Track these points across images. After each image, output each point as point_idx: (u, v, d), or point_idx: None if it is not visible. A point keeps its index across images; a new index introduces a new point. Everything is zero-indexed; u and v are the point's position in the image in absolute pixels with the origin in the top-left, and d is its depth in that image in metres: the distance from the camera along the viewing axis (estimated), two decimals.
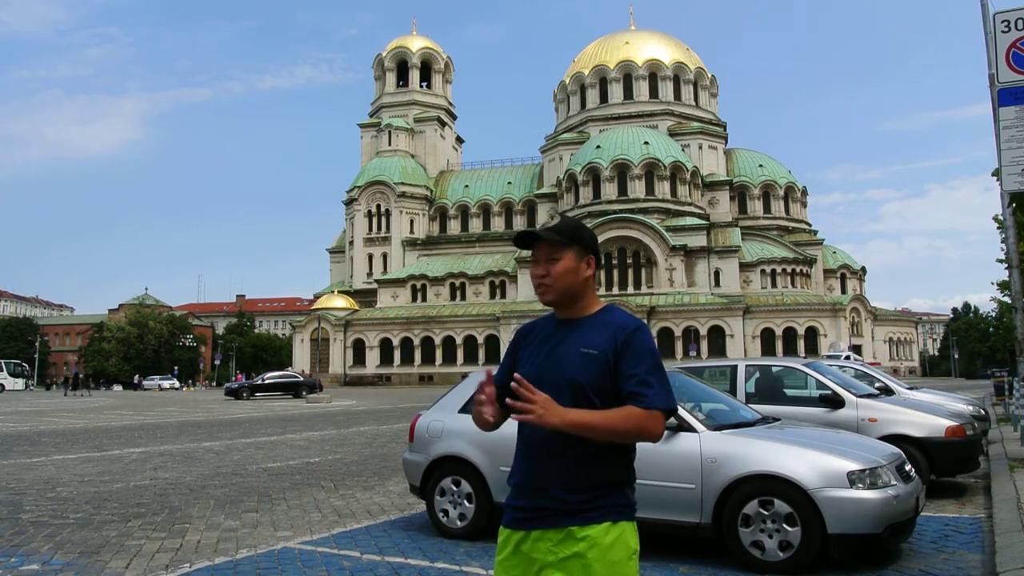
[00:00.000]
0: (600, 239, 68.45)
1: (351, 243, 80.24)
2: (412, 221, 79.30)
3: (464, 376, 7.78)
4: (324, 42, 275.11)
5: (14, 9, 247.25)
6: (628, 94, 78.94)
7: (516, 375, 2.08)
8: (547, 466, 2.15)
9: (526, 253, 68.96)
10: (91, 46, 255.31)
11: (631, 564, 2.12)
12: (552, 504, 2.12)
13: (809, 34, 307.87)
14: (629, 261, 68.12)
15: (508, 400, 2.07)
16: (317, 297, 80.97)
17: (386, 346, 72.22)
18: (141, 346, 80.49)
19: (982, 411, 11.04)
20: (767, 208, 76.42)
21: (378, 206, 78.94)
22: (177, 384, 68.40)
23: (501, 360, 2.46)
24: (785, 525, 5.00)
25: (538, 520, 2.14)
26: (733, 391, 8.38)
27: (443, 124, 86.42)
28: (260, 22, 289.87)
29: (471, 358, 68.39)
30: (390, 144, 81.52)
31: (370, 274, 78.16)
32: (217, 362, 79.27)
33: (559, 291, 2.25)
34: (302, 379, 44.66)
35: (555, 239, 2.24)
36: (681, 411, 5.53)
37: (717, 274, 67.83)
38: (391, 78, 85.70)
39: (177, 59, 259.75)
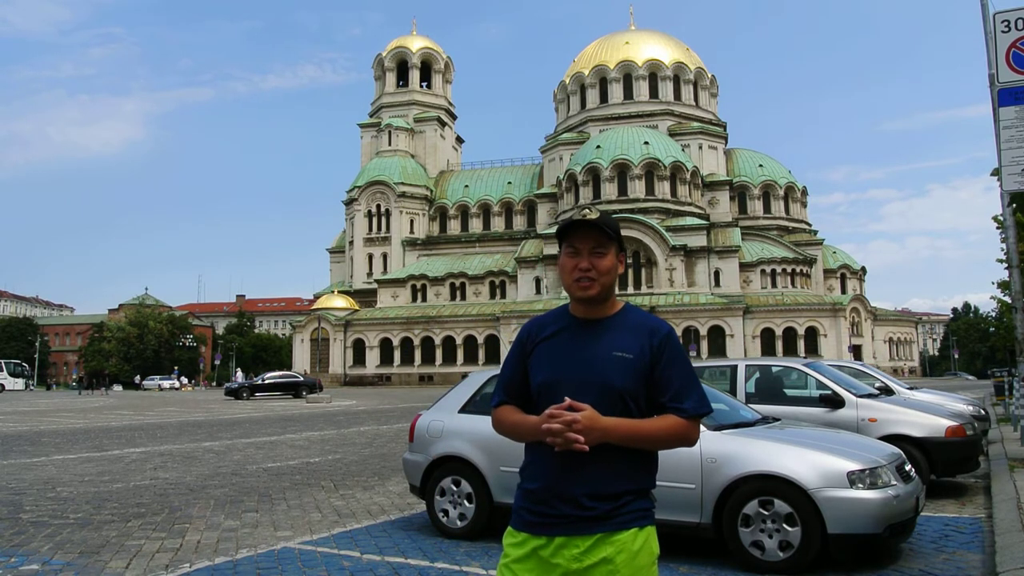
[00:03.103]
0: None
1: (351, 243, 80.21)
2: (412, 221, 79.26)
3: (464, 376, 7.77)
4: (327, 42, 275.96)
5: (18, 9, 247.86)
6: (628, 94, 78.87)
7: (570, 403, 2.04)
8: (580, 475, 2.09)
9: (527, 253, 70.02)
10: (95, 46, 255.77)
11: (654, 569, 2.12)
12: (581, 512, 2.08)
13: (809, 34, 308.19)
14: (629, 261, 67.83)
15: (545, 426, 2.03)
16: (317, 297, 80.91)
17: (386, 346, 72.19)
18: (141, 346, 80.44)
19: (982, 411, 11.04)
20: (767, 208, 76.38)
21: (378, 206, 78.91)
22: (177, 384, 68.30)
23: (504, 359, 2.36)
24: (785, 525, 5.00)
25: (564, 526, 2.08)
26: (733, 391, 8.38)
27: (443, 124, 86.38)
28: (264, 22, 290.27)
29: (471, 358, 68.35)
30: (390, 144, 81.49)
31: (370, 274, 78.12)
32: (217, 362, 79.22)
33: (605, 286, 2.18)
34: (302, 379, 44.66)
35: (609, 231, 2.18)
36: None
37: (717, 274, 67.81)
38: (391, 78, 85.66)
39: (181, 59, 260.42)
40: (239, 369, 62.83)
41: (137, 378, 73.11)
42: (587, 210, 2.18)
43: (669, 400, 2.13)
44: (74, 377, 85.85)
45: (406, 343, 71.41)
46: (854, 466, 5.03)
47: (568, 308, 2.28)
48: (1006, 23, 8.43)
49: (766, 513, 5.06)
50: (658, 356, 2.15)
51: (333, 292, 78.04)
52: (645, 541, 2.10)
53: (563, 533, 2.08)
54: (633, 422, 2.10)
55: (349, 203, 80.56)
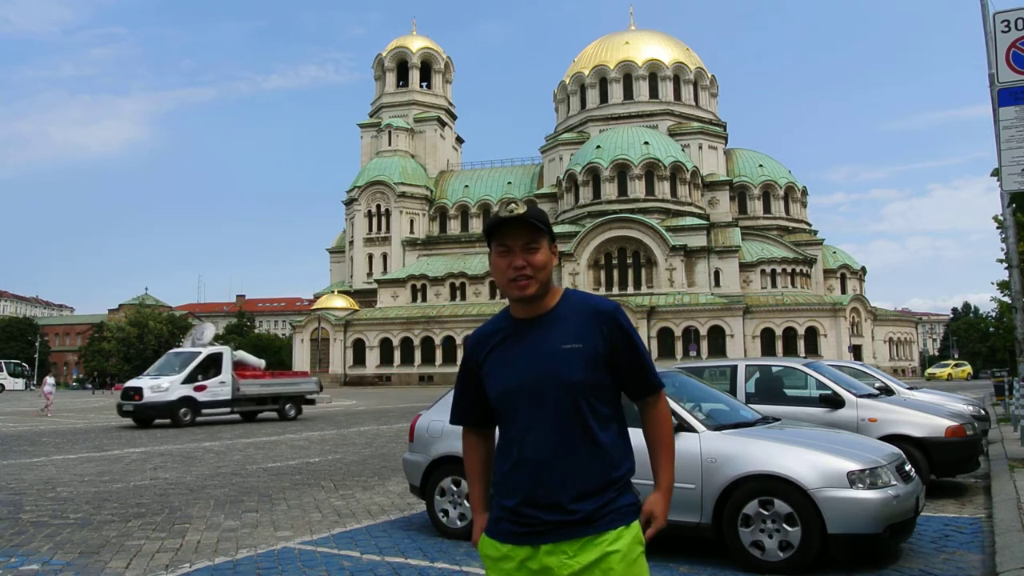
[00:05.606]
0: (600, 239, 68.72)
1: (351, 243, 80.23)
2: (412, 221, 79.27)
3: None
4: (329, 42, 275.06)
5: (20, 9, 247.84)
6: (628, 94, 78.87)
7: None
8: (560, 479, 2.05)
9: None
10: (96, 46, 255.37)
11: (643, 559, 2.11)
12: (568, 517, 2.03)
13: (810, 33, 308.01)
14: (629, 261, 68.09)
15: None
16: (317, 297, 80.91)
17: (386, 346, 72.18)
18: (141, 346, 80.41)
19: (982, 411, 11.04)
20: (767, 208, 76.36)
21: (378, 206, 78.94)
22: None
23: (456, 376, 2.31)
24: (785, 525, 5.00)
25: (549, 533, 2.03)
26: (733, 391, 8.38)
27: (443, 124, 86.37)
28: (266, 22, 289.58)
29: None
30: (390, 144, 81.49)
31: (370, 274, 78.14)
32: None
33: (542, 282, 2.10)
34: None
35: (539, 225, 2.09)
36: (681, 411, 5.53)
37: (717, 274, 67.80)
38: (391, 78, 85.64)
39: (182, 59, 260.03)
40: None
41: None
42: (513, 205, 2.11)
43: (640, 381, 2.18)
44: (74, 377, 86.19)
45: (406, 343, 71.42)
46: (854, 466, 5.03)
47: (509, 311, 2.21)
48: (1006, 23, 8.43)
49: (766, 513, 5.06)
50: (616, 345, 2.12)
51: (333, 292, 78.05)
52: (634, 536, 2.08)
53: (550, 540, 2.04)
54: (666, 463, 2.18)
55: (349, 203, 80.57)
